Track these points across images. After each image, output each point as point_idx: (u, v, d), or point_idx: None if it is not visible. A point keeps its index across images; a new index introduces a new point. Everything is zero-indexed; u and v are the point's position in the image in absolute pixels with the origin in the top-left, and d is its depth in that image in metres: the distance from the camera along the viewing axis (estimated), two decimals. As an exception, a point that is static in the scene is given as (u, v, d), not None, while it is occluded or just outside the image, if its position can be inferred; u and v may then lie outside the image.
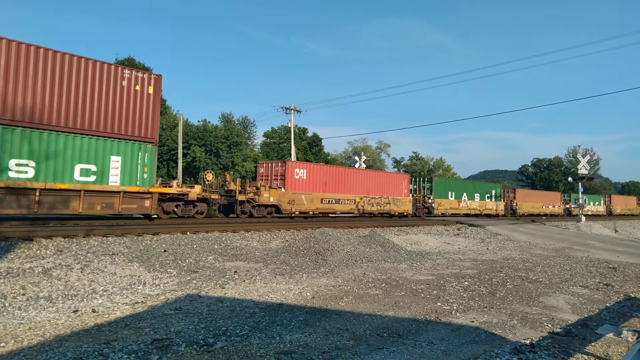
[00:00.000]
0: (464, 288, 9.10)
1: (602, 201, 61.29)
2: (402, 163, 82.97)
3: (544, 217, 44.34)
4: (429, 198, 35.84)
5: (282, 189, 25.01)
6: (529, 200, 48.65)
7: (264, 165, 27.13)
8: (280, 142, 56.26)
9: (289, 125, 44.00)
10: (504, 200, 45.39)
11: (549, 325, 6.60)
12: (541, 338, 5.87)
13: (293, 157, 42.22)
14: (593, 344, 5.73)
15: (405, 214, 32.74)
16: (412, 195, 34.77)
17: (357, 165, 43.44)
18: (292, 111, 42.00)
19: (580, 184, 34.41)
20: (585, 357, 5.20)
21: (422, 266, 11.90)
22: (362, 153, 59.13)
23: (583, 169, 32.72)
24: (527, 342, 5.59)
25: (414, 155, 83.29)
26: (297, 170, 25.88)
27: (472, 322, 6.65)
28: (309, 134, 59.18)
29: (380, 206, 30.91)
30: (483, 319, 6.82)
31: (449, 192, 38.23)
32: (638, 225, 39.99)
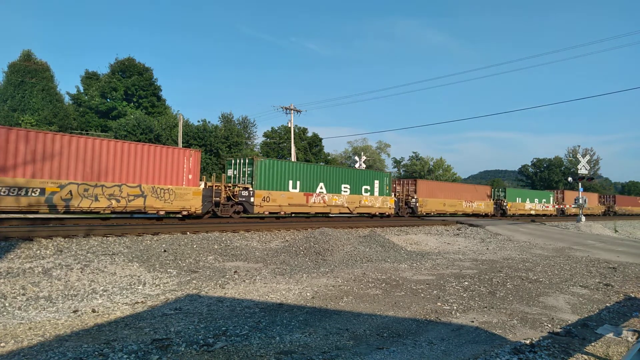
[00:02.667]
0: (464, 288, 9.10)
1: (551, 198, 51.51)
2: (402, 163, 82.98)
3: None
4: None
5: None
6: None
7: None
8: (280, 142, 56.26)
9: (289, 125, 44.00)
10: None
11: (549, 325, 6.60)
12: (541, 338, 5.87)
13: (293, 157, 42.21)
14: (593, 344, 5.72)
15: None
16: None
17: (357, 165, 43.40)
18: (292, 111, 42.01)
19: (580, 184, 34.40)
20: (585, 357, 5.19)
21: (422, 266, 11.90)
22: (362, 153, 59.12)
23: (583, 169, 32.71)
24: (527, 342, 5.59)
25: (414, 155, 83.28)
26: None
27: (472, 322, 6.65)
28: (309, 134, 59.19)
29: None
30: (483, 319, 6.82)
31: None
32: (638, 225, 39.98)
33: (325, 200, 26.35)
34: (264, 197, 23.06)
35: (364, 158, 45.15)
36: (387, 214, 30.56)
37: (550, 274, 11.36)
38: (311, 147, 58.25)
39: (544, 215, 48.24)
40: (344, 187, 28.05)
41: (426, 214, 34.73)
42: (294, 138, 44.65)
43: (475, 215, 40.07)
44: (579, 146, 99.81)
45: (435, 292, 8.65)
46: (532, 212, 46.91)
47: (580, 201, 32.27)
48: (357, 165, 43.04)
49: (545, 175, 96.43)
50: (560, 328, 6.47)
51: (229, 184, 23.08)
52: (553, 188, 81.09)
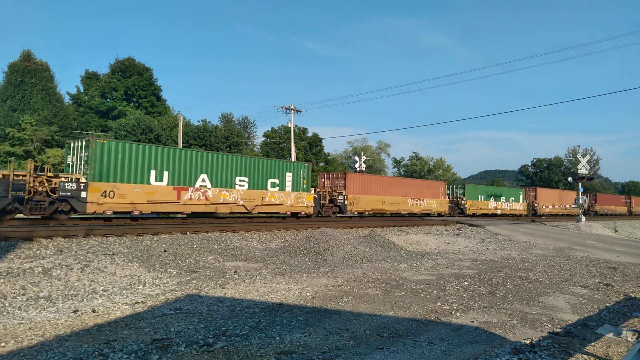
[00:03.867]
0: (464, 288, 9.10)
1: (521, 196, 46.12)
2: (402, 163, 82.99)
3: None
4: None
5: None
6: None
7: None
8: (280, 142, 56.24)
9: (289, 125, 43.98)
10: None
11: (549, 325, 6.60)
12: (541, 338, 5.87)
13: (293, 157, 42.19)
14: (593, 344, 5.72)
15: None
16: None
17: (357, 165, 43.34)
18: (292, 111, 42.00)
19: (580, 184, 34.41)
20: (585, 357, 5.19)
21: (422, 266, 11.90)
22: (362, 153, 59.10)
23: (583, 169, 32.71)
24: (527, 342, 5.59)
25: (413, 155, 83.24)
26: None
27: (472, 322, 6.65)
28: (309, 134, 59.16)
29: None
30: (483, 319, 6.82)
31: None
32: (638, 225, 39.98)
33: (208, 196, 20.64)
34: (105, 191, 17.07)
35: (364, 158, 45.08)
36: (303, 213, 24.87)
37: (550, 274, 11.36)
38: (311, 147, 58.24)
39: (512, 215, 43.29)
40: (240, 181, 22.12)
41: (358, 213, 29.97)
42: (294, 138, 44.65)
43: (425, 215, 34.77)
44: (579, 146, 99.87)
45: (435, 292, 8.65)
46: (498, 212, 41.87)
47: (580, 201, 32.28)
48: (357, 166, 42.94)
49: (545, 175, 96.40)
50: (560, 328, 6.47)
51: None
52: (553, 188, 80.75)
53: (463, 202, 38.56)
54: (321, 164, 59.29)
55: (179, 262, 10.88)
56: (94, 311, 6.65)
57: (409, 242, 17.64)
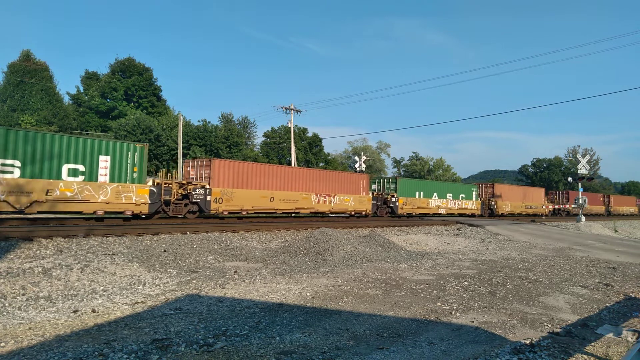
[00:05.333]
0: (464, 288, 9.10)
1: (474, 194, 39.05)
2: (402, 163, 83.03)
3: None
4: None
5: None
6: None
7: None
8: (280, 142, 56.26)
9: (289, 126, 43.99)
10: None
11: (549, 325, 6.60)
12: (541, 338, 5.87)
13: (293, 157, 42.20)
14: (593, 344, 5.72)
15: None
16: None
17: (357, 165, 43.30)
18: (292, 111, 42.01)
19: (580, 184, 34.43)
20: (585, 357, 5.19)
21: (422, 266, 11.90)
22: (362, 153, 59.10)
23: (583, 169, 32.74)
24: (527, 342, 5.59)
25: (414, 155, 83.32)
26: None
27: (472, 322, 6.65)
28: (309, 134, 59.19)
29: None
30: (483, 319, 6.82)
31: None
32: (638, 225, 39.99)
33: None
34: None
35: (363, 158, 45.09)
36: (128, 213, 17.81)
37: (550, 274, 11.36)
38: (311, 147, 58.26)
39: (461, 215, 37.11)
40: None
41: (230, 213, 22.48)
42: (294, 138, 44.65)
43: (340, 214, 29.12)
44: (579, 146, 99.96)
45: (435, 292, 8.65)
46: (442, 211, 35.62)
47: (580, 201, 32.30)
48: (356, 166, 42.89)
49: (545, 176, 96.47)
50: (560, 328, 6.47)
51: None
52: (553, 188, 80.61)
53: (394, 199, 31.60)
54: (321, 164, 59.32)
55: (179, 262, 10.88)
56: (94, 311, 6.65)
57: (409, 242, 17.64)
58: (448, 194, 36.55)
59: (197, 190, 20.76)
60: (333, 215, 28.90)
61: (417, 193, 33.86)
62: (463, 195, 37.94)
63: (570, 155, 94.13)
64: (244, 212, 23.05)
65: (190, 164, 22.97)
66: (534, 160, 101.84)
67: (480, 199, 39.82)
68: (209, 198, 21.11)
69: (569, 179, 44.67)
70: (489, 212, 40.10)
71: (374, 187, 33.01)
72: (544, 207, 46.75)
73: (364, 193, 29.95)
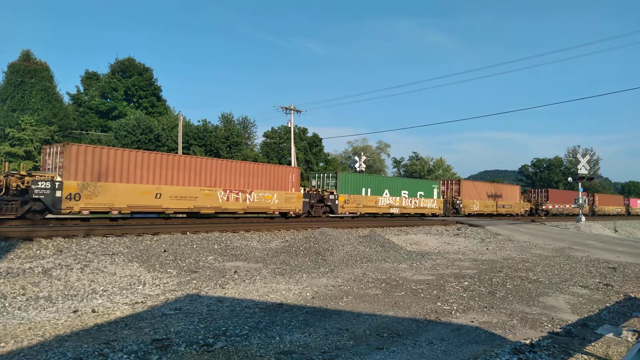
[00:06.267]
0: (464, 288, 9.10)
1: (435, 191, 34.75)
2: (402, 163, 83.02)
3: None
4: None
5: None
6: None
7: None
8: (280, 142, 56.23)
9: (289, 126, 43.97)
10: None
11: (549, 325, 6.60)
12: (541, 338, 5.87)
13: (293, 158, 42.18)
14: (593, 344, 5.72)
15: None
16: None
17: (357, 165, 43.27)
18: (292, 111, 41.99)
19: (580, 183, 34.44)
20: (585, 357, 5.19)
21: (422, 266, 11.90)
22: (362, 153, 59.07)
23: (583, 169, 32.75)
24: (527, 342, 5.59)
25: (414, 155, 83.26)
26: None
27: (472, 322, 6.65)
28: (309, 134, 59.15)
29: None
30: (483, 319, 6.82)
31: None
32: (638, 225, 39.99)
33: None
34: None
35: (363, 158, 45.08)
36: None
37: (550, 274, 11.36)
38: (311, 147, 58.22)
39: (420, 214, 33.15)
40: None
41: (91, 213, 17.61)
42: (294, 138, 44.65)
43: (260, 214, 25.22)
44: (579, 146, 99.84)
45: (435, 292, 8.65)
46: (394, 211, 31.24)
47: (580, 201, 32.30)
48: (356, 166, 42.85)
49: (545, 175, 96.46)
50: (560, 328, 6.47)
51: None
52: (553, 188, 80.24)
53: (333, 196, 27.15)
54: (321, 164, 59.30)
55: (179, 262, 10.87)
56: (93, 311, 6.64)
57: (409, 242, 17.64)
58: (403, 191, 32.32)
59: (40, 183, 15.92)
60: (250, 215, 24.81)
61: (364, 190, 29.53)
62: (422, 193, 33.70)
63: (570, 155, 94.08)
64: (115, 212, 17.99)
65: (47, 151, 18.13)
66: (534, 160, 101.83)
67: (444, 197, 36.21)
68: (58, 194, 16.24)
69: (569, 179, 44.40)
70: (454, 212, 36.62)
71: (314, 182, 29.15)
72: (519, 206, 43.88)
73: (293, 189, 25.05)
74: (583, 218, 31.21)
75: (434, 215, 34.11)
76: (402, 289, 8.84)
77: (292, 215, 25.40)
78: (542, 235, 22.35)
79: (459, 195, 36.91)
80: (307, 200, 25.95)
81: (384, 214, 31.19)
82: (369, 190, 29.82)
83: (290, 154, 42.75)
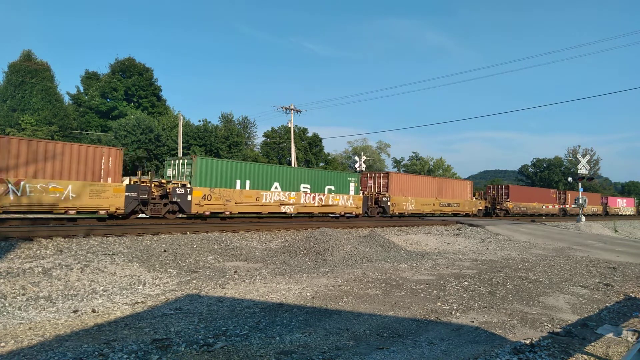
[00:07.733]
0: (464, 288, 9.10)
1: (352, 186, 27.94)
2: (402, 163, 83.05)
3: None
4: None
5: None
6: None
7: None
8: (280, 142, 56.25)
9: (289, 126, 43.98)
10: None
11: (549, 325, 6.60)
12: (541, 338, 5.87)
13: (293, 157, 42.19)
14: (593, 344, 5.72)
15: None
16: None
17: (357, 165, 43.29)
18: (292, 111, 42.00)
19: (580, 184, 34.44)
20: (585, 357, 5.19)
21: (422, 266, 11.90)
22: (362, 153, 59.09)
23: (583, 169, 32.74)
24: (527, 342, 5.59)
25: (414, 155, 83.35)
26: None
27: (472, 322, 6.65)
28: (309, 134, 59.17)
29: None
30: (483, 319, 6.82)
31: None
32: (638, 225, 39.99)
33: None
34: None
35: (363, 158, 45.07)
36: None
37: (550, 274, 11.36)
38: (311, 147, 58.24)
39: (325, 214, 26.98)
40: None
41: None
42: (294, 138, 44.66)
43: (43, 213, 17.22)
44: (579, 146, 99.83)
45: (435, 292, 8.65)
46: (288, 210, 24.48)
47: (580, 201, 32.30)
48: (356, 166, 42.86)
49: (545, 175, 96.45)
50: (560, 328, 6.47)
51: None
52: (553, 188, 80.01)
53: (183, 190, 19.76)
54: (321, 164, 59.32)
55: (179, 262, 10.88)
56: (94, 311, 6.65)
57: (409, 242, 17.64)
58: (303, 185, 25.39)
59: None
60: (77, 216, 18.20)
61: (239, 182, 22.30)
62: (331, 188, 26.93)
63: (570, 155, 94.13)
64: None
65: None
66: (534, 160, 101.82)
67: (365, 193, 29.58)
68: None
69: (569, 179, 44.25)
70: (380, 211, 29.84)
71: (170, 172, 21.92)
72: (470, 204, 37.90)
73: (109, 179, 17.68)
74: (583, 218, 31.21)
75: (350, 215, 28.08)
76: (402, 289, 8.83)
77: (114, 215, 18.01)
78: (542, 235, 22.35)
79: (387, 191, 30.14)
80: (132, 194, 18.01)
81: (270, 213, 24.50)
82: (247, 182, 22.73)
83: (291, 154, 42.76)
